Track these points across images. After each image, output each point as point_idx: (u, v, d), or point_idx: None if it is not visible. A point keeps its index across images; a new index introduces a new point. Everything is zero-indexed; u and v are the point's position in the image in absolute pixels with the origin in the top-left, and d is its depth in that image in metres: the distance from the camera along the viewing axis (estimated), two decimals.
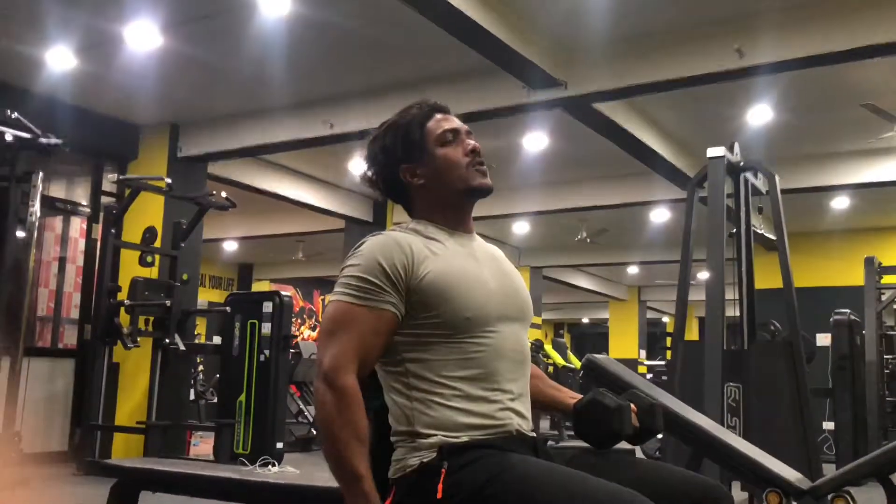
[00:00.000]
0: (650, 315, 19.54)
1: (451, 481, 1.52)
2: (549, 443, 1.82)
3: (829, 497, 2.85)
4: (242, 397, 7.30)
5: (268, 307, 7.36)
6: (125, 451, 6.88)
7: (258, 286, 16.78)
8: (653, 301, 18.55)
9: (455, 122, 1.80)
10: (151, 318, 6.82)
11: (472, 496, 1.49)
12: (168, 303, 6.61)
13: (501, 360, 1.65)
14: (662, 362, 20.54)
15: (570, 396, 1.86)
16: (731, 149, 5.45)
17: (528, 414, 1.71)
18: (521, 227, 11.56)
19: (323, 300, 19.35)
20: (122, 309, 6.55)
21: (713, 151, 5.25)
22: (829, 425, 8.31)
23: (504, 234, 12.16)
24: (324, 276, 16.33)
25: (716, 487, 1.65)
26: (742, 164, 5.45)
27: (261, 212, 10.95)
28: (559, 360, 11.79)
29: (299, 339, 15.37)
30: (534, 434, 1.68)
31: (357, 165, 8.77)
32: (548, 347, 12.04)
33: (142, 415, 6.80)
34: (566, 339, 25.38)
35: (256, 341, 7.30)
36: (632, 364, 17.64)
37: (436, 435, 1.58)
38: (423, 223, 1.76)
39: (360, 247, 1.69)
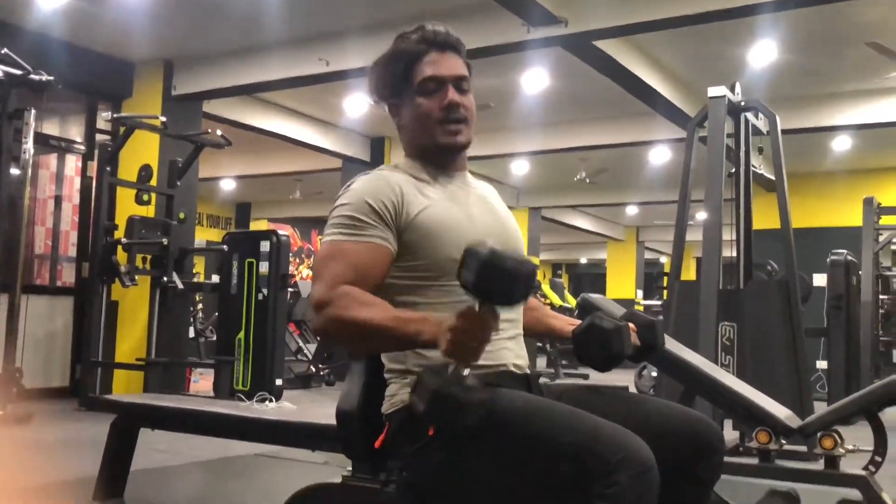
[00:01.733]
0: (648, 255, 19.55)
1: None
2: (544, 380, 1.82)
3: (818, 435, 2.89)
4: (241, 335, 7.36)
5: (265, 246, 7.37)
6: (126, 388, 6.96)
7: (256, 225, 16.75)
8: (651, 241, 18.56)
9: (443, 69, 1.70)
10: (149, 257, 6.82)
11: (461, 433, 1.50)
12: (165, 241, 6.60)
13: None
14: (659, 302, 20.68)
15: (569, 323, 1.87)
16: (732, 88, 5.38)
17: (523, 352, 1.72)
18: (519, 167, 11.48)
19: (320, 239, 19.36)
20: (120, 247, 6.54)
21: (714, 91, 5.19)
22: (822, 364, 8.41)
23: (502, 173, 12.09)
24: (322, 215, 16.21)
25: (706, 423, 1.66)
26: (743, 104, 5.40)
27: (257, 150, 10.86)
28: (556, 300, 11.86)
29: (297, 278, 15.43)
30: (527, 371, 1.69)
31: (354, 103, 8.67)
32: (545, 288, 12.11)
33: (141, 352, 6.85)
34: (564, 280, 25.50)
35: (254, 280, 7.33)
36: (629, 304, 17.71)
37: None
38: (412, 162, 1.74)
39: (349, 187, 1.68)
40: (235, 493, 3.58)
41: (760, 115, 5.53)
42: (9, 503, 3.30)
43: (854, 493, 2.92)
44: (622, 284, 17.91)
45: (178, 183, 6.99)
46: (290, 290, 8.47)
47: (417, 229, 1.62)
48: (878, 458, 2.91)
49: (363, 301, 1.51)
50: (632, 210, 15.61)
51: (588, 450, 1.37)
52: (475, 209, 1.73)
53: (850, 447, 3.00)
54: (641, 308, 18.18)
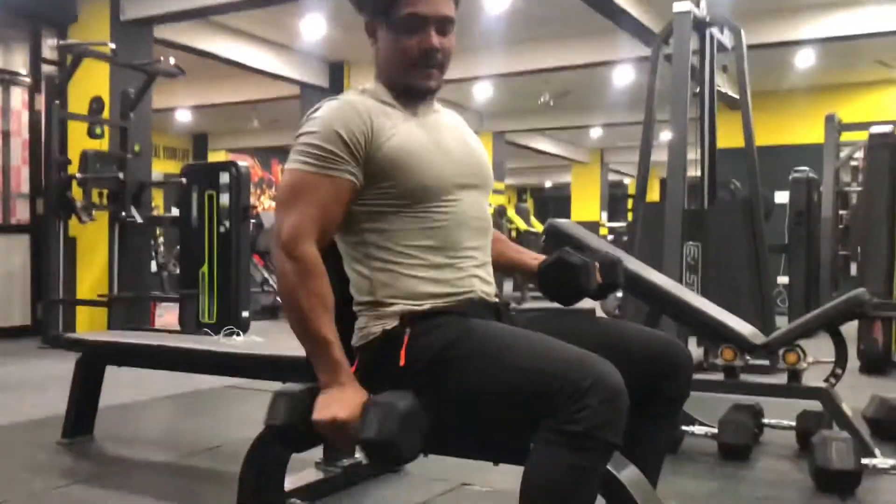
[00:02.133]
0: (612, 177, 19.61)
1: (414, 347, 1.51)
2: (512, 306, 1.81)
3: (781, 351, 2.94)
4: (205, 268, 7.27)
5: (225, 178, 7.21)
6: (90, 325, 6.87)
7: (214, 156, 16.46)
8: (615, 163, 18.60)
9: (429, 7, 1.58)
10: (105, 192, 6.65)
11: (434, 360, 1.49)
12: (121, 175, 6.43)
13: (463, 228, 1.62)
14: (624, 224, 20.87)
15: (533, 258, 1.85)
16: (696, 3, 5.30)
17: (492, 279, 1.70)
18: (483, 91, 11.33)
19: (281, 169, 19.08)
20: (74, 183, 6.36)
21: (679, 6, 5.10)
22: (783, 279, 8.55)
23: (466, 98, 11.93)
24: (281, 145, 15.99)
25: (673, 343, 1.66)
26: (708, 19, 5.32)
27: (213, 78, 10.57)
28: (522, 225, 11.88)
29: (259, 209, 15.26)
30: (497, 299, 1.67)
31: (312, 25, 8.42)
32: (511, 212, 12.10)
33: (103, 288, 6.74)
34: (529, 204, 25.56)
35: (215, 212, 7.20)
36: (594, 227, 17.87)
37: (398, 303, 1.56)
38: (382, 88, 1.67)
39: (315, 112, 1.60)
40: (206, 426, 3.56)
41: (725, 30, 5.47)
42: None
43: (815, 405, 2.99)
44: (587, 207, 18.00)
45: (132, 115, 6.77)
46: (252, 221, 8.32)
47: (387, 157, 1.56)
48: (838, 371, 2.97)
49: (314, 288, 1.51)
50: (596, 132, 15.56)
51: (558, 375, 1.36)
52: (445, 135, 1.68)
53: (811, 360, 3.07)
54: (606, 231, 18.35)
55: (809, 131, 10.51)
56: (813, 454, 2.58)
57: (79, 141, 6.71)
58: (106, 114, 6.74)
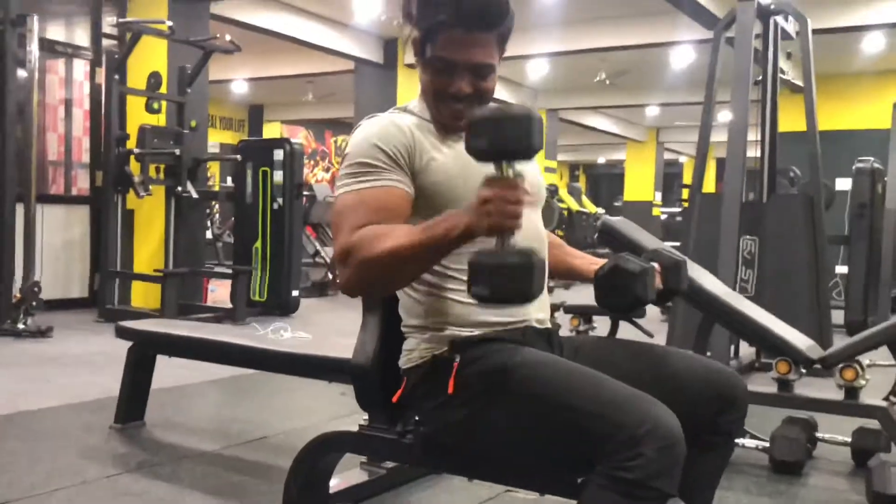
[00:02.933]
0: (667, 156, 19.23)
1: (463, 375, 1.49)
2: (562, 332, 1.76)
3: (839, 367, 2.85)
4: (258, 244, 7.38)
5: (279, 154, 7.29)
6: (144, 298, 7.01)
7: (269, 128, 16.59)
8: (671, 142, 18.23)
9: (461, 54, 1.51)
10: (162, 166, 6.74)
11: (483, 390, 1.46)
12: (178, 152, 6.51)
13: None
14: (678, 209, 20.53)
15: (591, 263, 1.79)
16: None
17: (546, 305, 1.66)
18: (537, 69, 11.15)
19: (335, 141, 19.17)
20: (132, 157, 6.46)
21: None
22: (841, 269, 8.30)
23: (520, 75, 11.78)
24: (335, 117, 16.06)
25: (728, 375, 1.60)
26: (773, 6, 5.14)
27: (268, 51, 10.59)
28: (573, 205, 11.76)
29: (312, 180, 15.38)
30: (548, 326, 1.64)
31: (367, 3, 8.37)
32: (562, 192, 11.98)
33: (159, 262, 6.86)
34: (581, 181, 25.28)
35: (269, 189, 7.29)
36: (647, 207, 17.62)
37: (448, 329, 1.54)
38: (424, 107, 1.63)
39: (353, 134, 1.58)
40: (252, 414, 3.60)
41: (790, 18, 5.28)
42: (32, 425, 3.35)
43: (872, 423, 2.90)
44: (641, 187, 17.73)
45: (189, 90, 6.84)
46: (305, 193, 8.35)
47: (430, 178, 1.53)
48: None
49: (383, 233, 1.40)
50: (652, 111, 15.26)
51: (613, 420, 1.32)
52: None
53: (868, 362, 2.95)
54: (659, 212, 18.07)
55: (875, 117, 10.18)
56: (870, 478, 2.51)
57: (137, 115, 6.81)
58: (163, 89, 6.82)
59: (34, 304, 5.58)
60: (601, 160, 23.88)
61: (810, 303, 5.08)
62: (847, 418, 3.11)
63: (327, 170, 19.09)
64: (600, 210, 12.30)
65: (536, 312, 1.61)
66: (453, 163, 1.56)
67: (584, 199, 12.28)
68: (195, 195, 6.78)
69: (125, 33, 6.66)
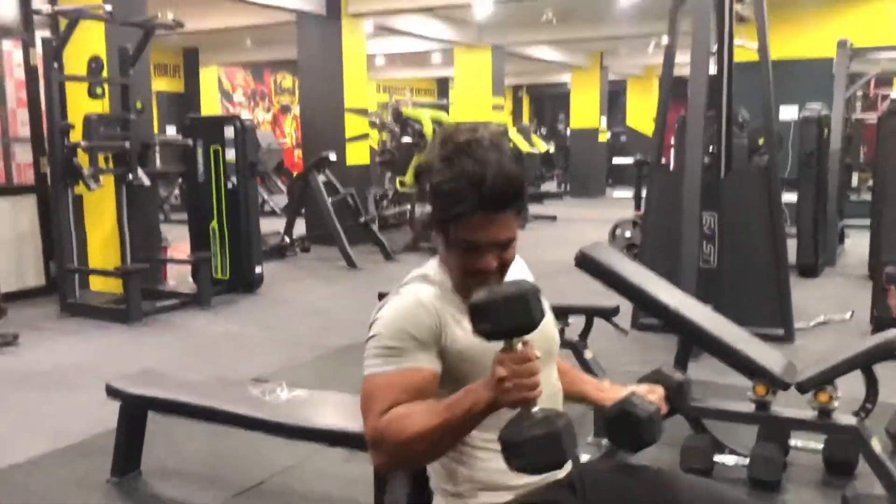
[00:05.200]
0: (611, 77, 19.18)
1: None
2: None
3: (813, 392, 3.00)
4: (214, 224, 7.28)
5: (230, 132, 7.14)
6: (104, 282, 6.91)
7: (206, 73, 16.05)
8: (616, 67, 18.17)
9: (487, 235, 1.53)
10: (111, 155, 6.54)
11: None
12: (127, 144, 6.30)
13: None
14: (622, 129, 20.64)
15: (598, 389, 1.88)
16: None
17: None
18: (483, 7, 10.89)
19: (274, 80, 18.66)
20: (79, 150, 6.23)
21: None
22: (790, 197, 8.38)
23: (465, 12, 11.55)
24: (275, 58, 15.57)
25: (736, 501, 1.70)
26: None
27: (203, 4, 10.17)
28: (524, 146, 11.76)
29: (255, 124, 14.98)
30: (571, 475, 1.69)
31: None
32: (512, 133, 11.95)
33: (114, 249, 6.70)
34: (524, 102, 25.12)
35: (222, 168, 7.15)
36: (593, 134, 17.69)
37: (480, 496, 1.60)
38: (445, 276, 1.65)
39: (381, 312, 1.58)
40: (250, 455, 3.60)
41: None
42: (23, 482, 3.34)
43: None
44: (586, 114, 17.73)
45: (131, 72, 6.57)
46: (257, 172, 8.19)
47: (457, 358, 1.56)
48: (868, 406, 3.04)
49: (408, 414, 1.46)
50: (597, 43, 15.15)
51: None
52: None
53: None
54: (605, 138, 18.17)
55: (818, 46, 10.29)
56: None
57: (77, 100, 6.56)
58: (104, 73, 6.54)
59: None
60: (544, 80, 23.67)
61: (770, 273, 5.27)
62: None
63: (268, 110, 18.65)
64: (550, 148, 12.29)
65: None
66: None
67: (535, 137, 12.28)
68: (147, 182, 6.61)
69: (58, 17, 6.33)
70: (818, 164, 7.56)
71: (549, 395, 1.66)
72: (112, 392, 3.12)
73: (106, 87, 6.53)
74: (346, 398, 2.98)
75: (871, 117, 9.82)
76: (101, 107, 6.54)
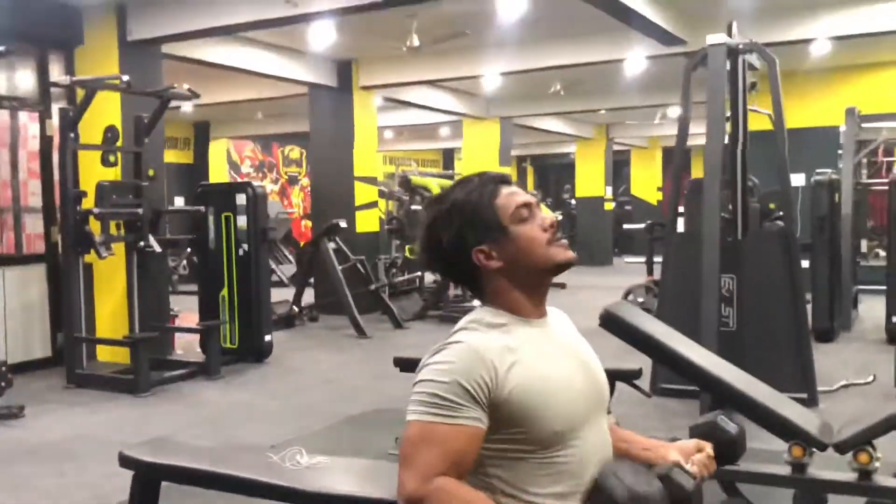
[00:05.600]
0: (616, 147, 19.36)
1: None
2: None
3: (852, 453, 2.89)
4: (224, 292, 7.23)
5: (241, 199, 7.15)
6: (111, 353, 6.82)
7: (216, 146, 16.26)
8: (620, 138, 18.37)
9: (525, 195, 1.62)
10: (122, 222, 6.54)
11: None
12: (140, 210, 6.31)
13: (589, 467, 1.56)
14: (627, 198, 20.75)
15: (644, 448, 1.78)
16: (728, 31, 5.16)
17: None
18: (492, 81, 11.07)
19: (282, 151, 18.88)
20: (91, 217, 6.23)
21: (713, 38, 4.97)
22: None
23: (474, 86, 11.72)
24: (284, 132, 15.78)
25: None
26: (741, 47, 5.18)
27: (218, 77, 10.32)
28: None
29: None
30: None
31: (321, 32, 8.20)
32: None
33: (122, 318, 6.66)
34: (529, 172, 25.33)
35: (233, 234, 7.14)
36: (598, 202, 17.78)
37: None
38: (497, 313, 1.60)
39: (435, 356, 1.52)
40: None
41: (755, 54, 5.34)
42: None
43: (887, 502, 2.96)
44: (591, 182, 17.85)
45: (146, 140, 6.63)
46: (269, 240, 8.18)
47: (515, 404, 1.49)
48: None
49: (462, 498, 1.42)
50: (603, 115, 15.35)
51: None
52: (565, 363, 1.61)
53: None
54: (611, 207, 18.24)
55: (825, 114, 10.39)
56: None
57: (90, 167, 6.60)
58: (120, 142, 6.59)
59: (3, 384, 5.36)
60: (549, 151, 23.92)
61: (791, 335, 5.18)
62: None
63: (276, 181, 18.80)
64: (558, 216, 12.30)
65: None
66: (542, 362, 1.55)
67: (542, 206, 12.28)
68: (158, 249, 6.60)
69: (75, 88, 6.41)
70: (831, 227, 7.53)
71: (602, 443, 1.61)
72: (125, 461, 2.98)
73: (119, 155, 6.58)
74: (368, 464, 2.88)
75: (881, 183, 9.83)
76: (114, 174, 6.57)
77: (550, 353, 1.59)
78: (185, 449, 3.10)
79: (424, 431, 1.46)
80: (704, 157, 5.09)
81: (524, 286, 1.61)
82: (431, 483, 1.41)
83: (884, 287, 9.06)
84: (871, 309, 8.73)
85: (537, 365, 1.54)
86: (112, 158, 6.50)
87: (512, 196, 1.60)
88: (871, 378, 5.64)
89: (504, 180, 1.63)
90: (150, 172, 6.75)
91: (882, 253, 11.43)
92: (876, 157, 10.55)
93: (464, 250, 1.59)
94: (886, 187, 10.38)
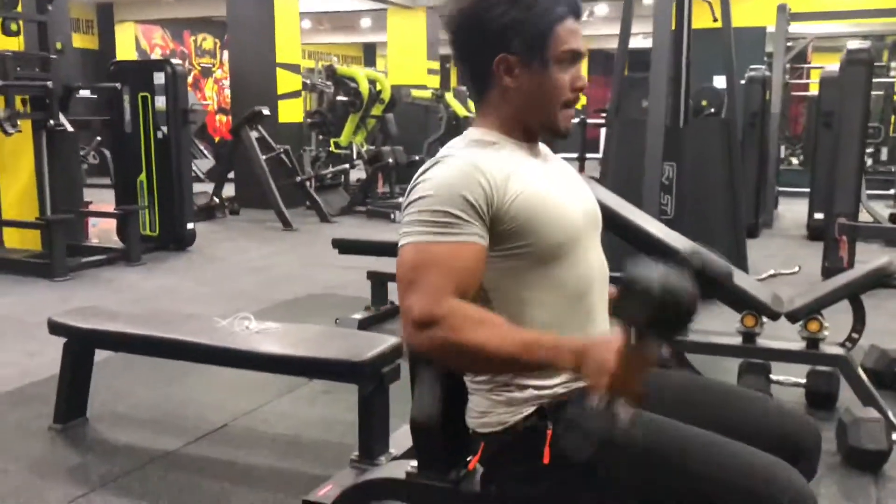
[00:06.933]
0: None
1: (559, 446, 1.34)
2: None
3: (803, 322, 2.93)
4: (143, 177, 6.87)
5: (160, 78, 6.71)
6: (20, 240, 6.42)
7: (122, 29, 15.25)
8: None
9: (581, 43, 1.47)
10: (28, 98, 6.04)
11: (588, 466, 1.30)
12: (50, 83, 5.82)
13: (592, 287, 1.48)
14: None
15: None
16: None
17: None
18: None
19: (194, 40, 17.91)
20: None
21: None
22: None
23: None
24: (198, 16, 14.91)
25: (806, 425, 1.55)
26: None
27: None
28: (460, 111, 11.56)
29: None
30: None
31: None
32: (448, 97, 11.74)
33: (31, 201, 6.22)
34: (452, 72, 24.86)
35: (151, 116, 6.72)
36: None
37: (530, 388, 1.41)
38: (487, 132, 1.48)
39: (428, 173, 1.39)
40: (206, 395, 3.36)
41: None
42: None
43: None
44: None
45: (50, 7, 6.07)
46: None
47: (518, 216, 1.38)
48: (855, 336, 3.01)
49: (477, 319, 1.31)
50: None
51: (755, 491, 1.28)
52: (560, 181, 1.52)
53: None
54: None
55: (751, 14, 10.40)
56: (845, 434, 2.62)
57: None
58: (18, 7, 6.02)
59: None
60: None
61: (727, 224, 5.25)
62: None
63: (188, 73, 17.88)
64: None
65: None
66: (543, 181, 1.46)
67: (470, 102, 12.07)
68: (70, 128, 6.15)
69: None
70: (762, 123, 7.63)
71: (600, 263, 1.53)
72: (55, 327, 2.80)
73: (21, 24, 6.01)
74: (319, 329, 2.77)
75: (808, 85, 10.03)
76: (16, 45, 6.02)
77: (545, 173, 1.50)
78: (122, 316, 2.92)
79: (426, 252, 1.35)
80: (653, 41, 4.98)
81: (523, 122, 1.49)
82: (442, 305, 1.30)
83: (796, 189, 9.44)
84: (789, 209, 9.18)
85: (533, 179, 1.44)
86: (14, 27, 5.94)
87: (572, 34, 1.44)
88: (796, 268, 5.81)
89: (577, 13, 1.47)
90: (58, 45, 6.21)
91: (795, 161, 11.85)
92: (806, 59, 10.70)
93: (492, 47, 1.43)
94: (809, 91, 10.67)
